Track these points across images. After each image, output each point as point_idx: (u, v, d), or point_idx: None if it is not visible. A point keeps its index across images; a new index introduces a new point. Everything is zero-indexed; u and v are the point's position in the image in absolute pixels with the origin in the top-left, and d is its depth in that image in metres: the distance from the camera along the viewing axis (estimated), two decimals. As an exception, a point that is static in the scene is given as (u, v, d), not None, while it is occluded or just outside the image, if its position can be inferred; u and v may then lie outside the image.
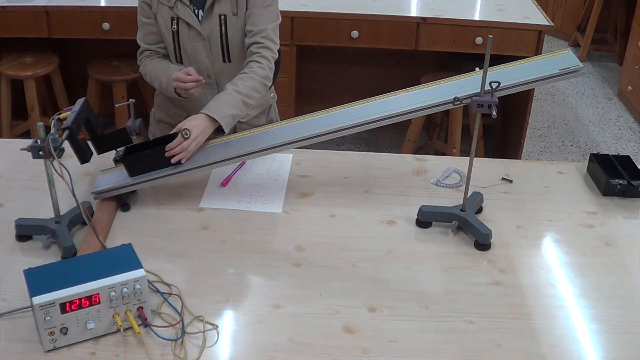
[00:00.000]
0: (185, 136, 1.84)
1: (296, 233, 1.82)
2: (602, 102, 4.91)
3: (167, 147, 1.84)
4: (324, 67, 4.02)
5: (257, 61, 2.01)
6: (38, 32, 3.38)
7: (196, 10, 2.05)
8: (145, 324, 1.45)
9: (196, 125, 1.86)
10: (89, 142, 1.79)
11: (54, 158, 1.56)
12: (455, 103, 1.75)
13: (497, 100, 1.68)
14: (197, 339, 1.46)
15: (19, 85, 3.53)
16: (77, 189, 1.74)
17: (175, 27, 2.06)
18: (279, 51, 2.10)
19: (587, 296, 1.64)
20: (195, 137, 1.85)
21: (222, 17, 2.03)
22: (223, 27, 2.04)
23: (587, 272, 1.72)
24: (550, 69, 1.82)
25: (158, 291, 1.57)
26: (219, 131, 1.92)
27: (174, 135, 1.86)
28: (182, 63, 2.12)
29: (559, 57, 1.85)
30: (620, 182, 1.99)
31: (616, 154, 2.10)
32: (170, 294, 1.57)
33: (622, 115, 4.72)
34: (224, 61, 2.10)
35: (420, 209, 1.86)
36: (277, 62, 2.12)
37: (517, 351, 1.47)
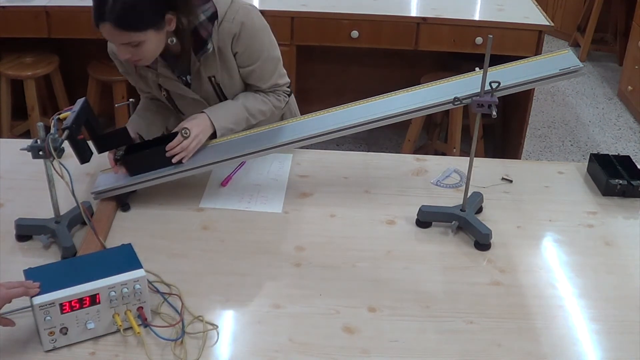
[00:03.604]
0: (185, 135, 1.83)
1: (296, 233, 1.82)
2: (602, 102, 4.91)
3: (167, 146, 1.83)
4: (324, 67, 4.02)
5: (275, 96, 2.01)
6: (38, 32, 3.38)
7: (183, 77, 1.96)
8: (145, 324, 1.45)
9: (196, 124, 1.86)
10: (89, 142, 1.79)
11: (54, 158, 1.56)
12: (455, 103, 1.75)
13: (497, 100, 1.68)
14: (197, 339, 1.46)
15: (19, 85, 3.53)
16: (77, 189, 1.74)
17: (165, 92, 1.99)
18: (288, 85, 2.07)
19: (587, 296, 1.64)
20: (196, 135, 1.84)
21: (212, 78, 1.94)
22: (217, 87, 1.96)
23: (587, 272, 1.72)
24: (550, 69, 1.82)
25: (158, 291, 1.57)
26: (212, 137, 1.91)
27: (174, 135, 1.86)
28: (181, 112, 2.06)
29: (559, 57, 1.85)
30: (620, 182, 1.99)
31: (616, 154, 2.10)
32: (170, 294, 1.57)
33: (622, 115, 4.72)
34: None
35: (420, 209, 1.86)
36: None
37: (517, 351, 1.47)
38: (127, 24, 1.68)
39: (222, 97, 1.99)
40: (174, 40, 1.82)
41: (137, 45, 1.72)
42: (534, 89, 3.46)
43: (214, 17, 1.83)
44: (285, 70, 2.03)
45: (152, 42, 1.74)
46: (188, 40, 1.83)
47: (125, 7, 1.65)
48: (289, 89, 2.05)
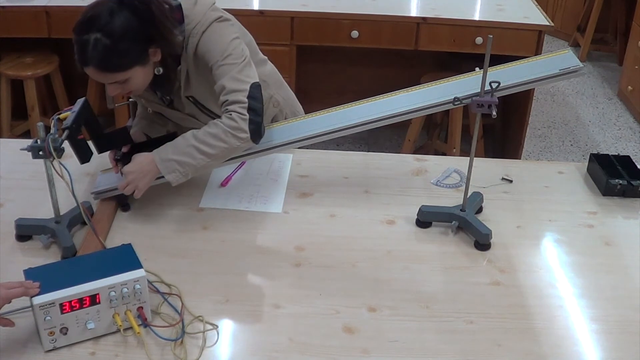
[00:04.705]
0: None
1: (296, 233, 1.82)
2: (602, 102, 4.91)
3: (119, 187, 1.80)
4: (324, 67, 4.02)
5: (226, 115, 1.77)
6: (38, 32, 3.38)
7: (166, 97, 1.94)
8: (145, 324, 1.45)
9: (134, 164, 1.79)
10: (89, 142, 1.79)
11: (54, 158, 1.56)
12: (455, 103, 1.75)
13: (497, 100, 1.68)
14: (197, 339, 1.46)
15: (19, 85, 3.53)
16: (77, 189, 1.74)
17: (150, 110, 1.99)
18: (256, 85, 1.79)
19: (587, 296, 1.64)
20: (130, 181, 1.78)
21: (190, 98, 1.90)
22: (198, 104, 1.93)
23: (587, 272, 1.72)
24: (550, 69, 1.82)
25: (158, 291, 1.57)
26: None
27: (175, 135, 1.86)
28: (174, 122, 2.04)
29: (559, 57, 1.85)
30: (620, 182, 1.99)
31: (616, 154, 2.10)
32: (170, 294, 1.57)
33: (622, 115, 4.72)
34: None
35: (420, 209, 1.86)
36: (258, 98, 1.80)
37: (517, 351, 1.48)
38: (110, 67, 1.68)
39: (208, 112, 1.95)
40: (160, 70, 1.80)
41: (125, 81, 1.72)
42: (534, 89, 3.46)
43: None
44: (246, 81, 1.78)
45: (140, 77, 1.74)
46: (172, 65, 1.82)
47: (106, 51, 1.64)
48: (245, 104, 1.76)
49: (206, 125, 1.79)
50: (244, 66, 1.80)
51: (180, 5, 1.80)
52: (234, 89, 1.76)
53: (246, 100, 1.76)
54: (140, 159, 1.79)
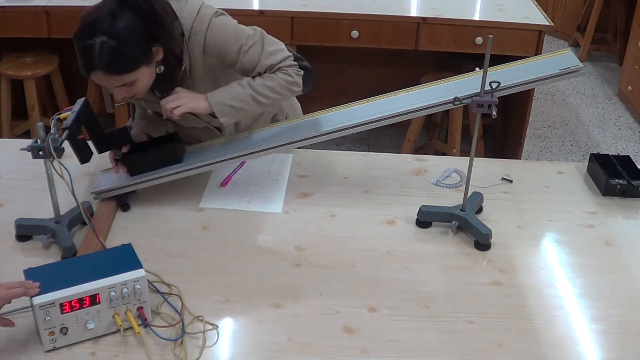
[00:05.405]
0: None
1: (296, 233, 1.82)
2: (602, 102, 4.91)
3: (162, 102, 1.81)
4: (324, 67, 4.01)
5: (281, 71, 1.85)
6: (38, 32, 3.38)
7: (165, 96, 1.90)
8: (145, 324, 1.45)
9: (187, 92, 1.82)
10: (89, 142, 1.79)
11: (54, 158, 1.56)
12: (455, 103, 1.75)
13: (497, 100, 1.68)
14: (197, 339, 1.46)
15: (19, 85, 3.53)
16: (77, 189, 1.74)
17: (150, 111, 1.98)
18: (288, 48, 1.88)
19: (587, 296, 1.64)
20: (178, 97, 1.79)
21: None
22: None
23: (587, 272, 1.72)
24: (550, 69, 1.82)
25: (158, 291, 1.57)
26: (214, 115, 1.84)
27: (175, 135, 1.86)
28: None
29: (559, 57, 1.85)
30: (620, 182, 1.99)
31: (616, 154, 2.10)
32: (170, 294, 1.57)
33: (622, 115, 4.72)
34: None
35: (420, 209, 1.86)
36: (299, 57, 1.89)
37: (517, 351, 1.48)
38: (119, 69, 1.67)
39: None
40: (162, 69, 1.80)
41: (132, 83, 1.72)
42: (534, 89, 3.45)
43: (182, 33, 1.80)
44: (278, 47, 1.86)
45: (145, 77, 1.74)
46: (172, 63, 1.81)
47: (112, 53, 1.64)
48: (295, 62, 1.85)
49: (261, 77, 1.84)
50: (266, 39, 1.86)
51: (169, 3, 1.79)
52: (279, 59, 1.84)
53: (295, 62, 1.86)
54: (192, 91, 1.82)
